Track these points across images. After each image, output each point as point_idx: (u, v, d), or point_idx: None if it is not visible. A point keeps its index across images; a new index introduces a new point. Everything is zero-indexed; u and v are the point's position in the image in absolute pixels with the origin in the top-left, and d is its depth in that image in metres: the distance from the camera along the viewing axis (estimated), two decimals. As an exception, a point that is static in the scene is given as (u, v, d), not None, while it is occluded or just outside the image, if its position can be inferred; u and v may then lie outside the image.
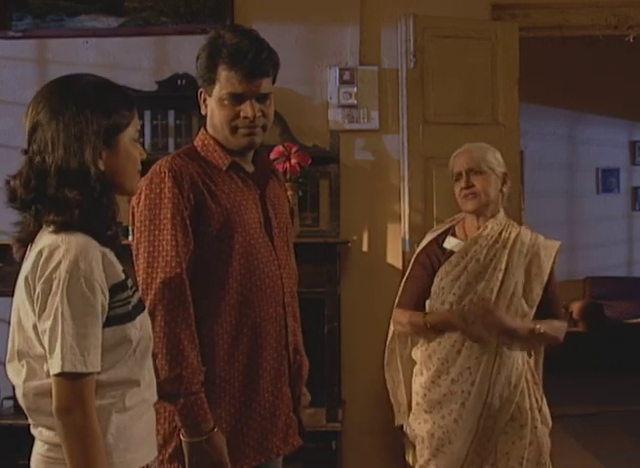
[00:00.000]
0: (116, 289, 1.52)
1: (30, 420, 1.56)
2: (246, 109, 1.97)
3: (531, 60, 4.23)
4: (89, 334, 1.45)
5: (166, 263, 1.87)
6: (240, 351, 1.97)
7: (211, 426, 1.86)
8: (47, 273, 1.45)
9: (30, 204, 1.52)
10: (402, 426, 2.95)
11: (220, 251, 1.95)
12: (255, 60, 1.95)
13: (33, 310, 1.48)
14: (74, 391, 1.44)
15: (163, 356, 1.83)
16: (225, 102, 1.98)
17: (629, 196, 8.10)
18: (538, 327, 2.62)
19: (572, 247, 7.63)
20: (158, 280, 1.86)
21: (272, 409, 2.02)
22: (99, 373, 1.48)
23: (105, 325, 1.49)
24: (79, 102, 1.52)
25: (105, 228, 1.54)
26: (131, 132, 1.60)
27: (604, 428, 5.10)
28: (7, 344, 1.57)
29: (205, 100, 2.05)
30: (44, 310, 1.46)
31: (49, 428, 1.52)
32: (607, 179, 8.03)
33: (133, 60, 3.68)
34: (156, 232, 1.90)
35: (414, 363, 2.84)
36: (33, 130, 1.55)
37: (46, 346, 1.46)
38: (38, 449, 1.55)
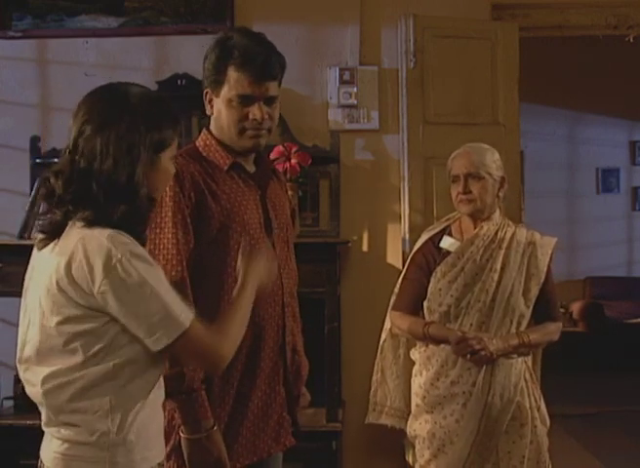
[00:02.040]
0: None
1: (48, 418, 1.56)
2: (254, 111, 1.98)
3: (531, 60, 4.23)
4: (173, 293, 1.52)
5: (167, 261, 1.88)
6: (239, 352, 1.97)
7: (211, 423, 1.87)
8: (101, 269, 1.45)
9: (67, 203, 1.52)
10: (399, 426, 2.96)
11: (219, 250, 1.95)
12: (265, 63, 1.96)
13: (70, 306, 1.48)
14: (201, 341, 1.54)
15: None
16: (234, 104, 1.98)
17: (629, 196, 8.10)
18: (527, 340, 2.63)
19: (572, 247, 7.64)
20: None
21: (265, 408, 2.03)
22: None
23: None
24: (133, 115, 1.53)
25: (139, 232, 1.55)
26: (173, 149, 1.62)
27: (604, 428, 5.10)
28: (16, 345, 1.57)
29: (211, 101, 2.04)
30: (125, 298, 1.46)
31: (69, 426, 1.52)
32: (607, 179, 8.04)
33: (133, 60, 3.68)
34: (157, 231, 1.90)
35: (412, 363, 2.85)
36: (80, 133, 1.53)
37: (149, 322, 1.48)
38: (56, 448, 1.54)
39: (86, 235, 1.48)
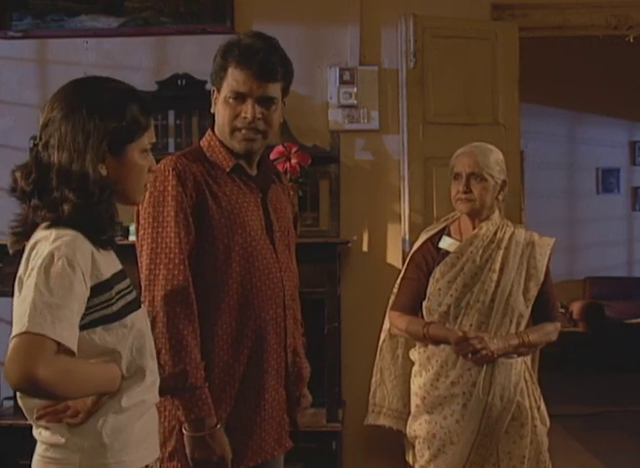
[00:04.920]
0: (98, 289, 1.49)
1: (31, 421, 1.56)
2: (246, 109, 1.97)
3: (531, 60, 4.23)
4: (63, 306, 1.39)
5: (169, 260, 1.88)
6: (241, 353, 1.97)
7: (214, 421, 1.87)
8: (33, 262, 1.44)
9: (29, 196, 1.52)
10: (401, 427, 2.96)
11: (219, 251, 1.95)
12: (263, 62, 1.95)
13: None
14: (34, 350, 1.35)
15: (166, 351, 1.84)
16: (230, 101, 1.98)
17: (629, 196, 8.10)
18: (527, 340, 2.63)
19: (572, 247, 7.64)
20: (161, 276, 1.87)
21: (270, 410, 2.03)
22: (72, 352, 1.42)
23: (89, 326, 1.47)
24: (92, 107, 1.52)
25: (100, 231, 1.53)
26: (143, 143, 1.60)
27: (604, 428, 5.10)
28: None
29: (215, 99, 2.04)
30: (22, 289, 1.43)
31: (46, 428, 1.52)
32: (607, 179, 8.04)
33: (133, 61, 3.68)
34: (159, 229, 1.90)
35: (410, 364, 2.84)
36: (45, 125, 1.54)
37: (14, 316, 1.40)
38: (37, 450, 1.55)
39: (43, 235, 1.48)
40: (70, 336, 1.40)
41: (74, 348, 1.41)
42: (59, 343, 1.38)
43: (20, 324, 1.37)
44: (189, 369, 1.84)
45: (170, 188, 1.91)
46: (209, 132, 2.09)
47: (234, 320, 1.96)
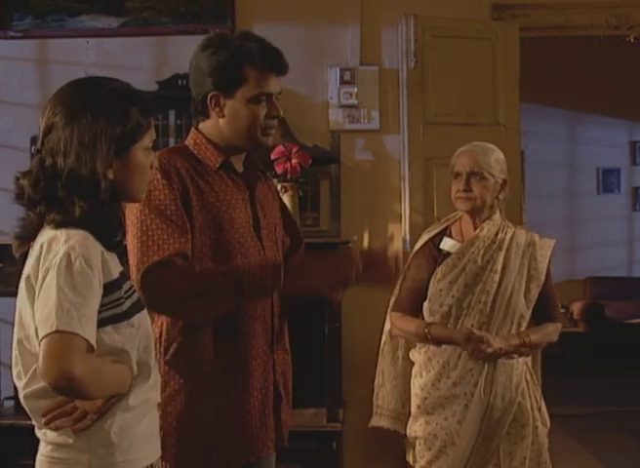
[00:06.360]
0: (109, 287, 1.50)
1: (35, 422, 1.56)
2: (276, 107, 2.01)
3: (531, 60, 4.23)
4: (86, 304, 1.42)
5: (158, 247, 1.85)
6: (229, 350, 1.96)
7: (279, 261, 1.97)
8: (47, 262, 1.45)
9: (37, 203, 1.52)
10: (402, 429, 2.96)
11: (205, 248, 1.94)
12: (281, 60, 2.00)
13: (33, 306, 1.47)
14: (69, 349, 1.38)
15: (194, 295, 1.85)
16: (258, 103, 1.98)
17: (630, 196, 8.10)
18: (527, 340, 2.63)
19: (572, 247, 7.64)
20: (150, 263, 1.84)
21: (261, 407, 2.02)
22: (92, 348, 1.44)
23: (99, 325, 1.47)
24: (96, 110, 1.52)
25: (110, 234, 1.54)
26: (145, 142, 1.60)
27: (604, 428, 5.10)
28: (10, 346, 1.57)
29: (218, 104, 1.99)
30: (41, 289, 1.44)
31: (52, 429, 1.52)
32: (607, 180, 8.03)
33: (133, 61, 3.69)
34: (152, 226, 1.88)
35: (411, 364, 2.84)
36: (48, 131, 1.53)
37: (39, 317, 1.41)
38: (42, 450, 1.55)
39: (53, 235, 1.48)
40: (94, 334, 1.43)
41: (94, 342, 1.43)
42: (86, 341, 1.40)
43: (48, 323, 1.39)
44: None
45: (156, 183, 1.89)
46: (193, 131, 2.07)
47: (221, 317, 1.94)
